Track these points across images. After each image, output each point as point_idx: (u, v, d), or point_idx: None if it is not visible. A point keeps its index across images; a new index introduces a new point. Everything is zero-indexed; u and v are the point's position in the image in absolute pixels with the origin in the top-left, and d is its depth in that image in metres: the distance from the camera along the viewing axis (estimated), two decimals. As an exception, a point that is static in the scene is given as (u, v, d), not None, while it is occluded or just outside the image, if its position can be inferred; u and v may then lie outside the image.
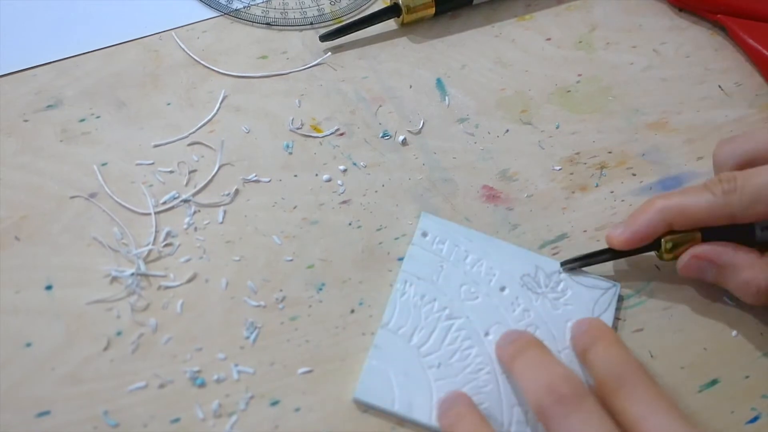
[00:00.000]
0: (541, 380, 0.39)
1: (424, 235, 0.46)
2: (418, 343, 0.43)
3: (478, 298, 0.44)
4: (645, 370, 0.40)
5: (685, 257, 0.44)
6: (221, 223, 0.46)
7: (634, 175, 0.50)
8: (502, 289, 0.45)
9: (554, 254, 0.47)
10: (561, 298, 0.45)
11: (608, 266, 0.46)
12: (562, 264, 0.46)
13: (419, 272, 0.45)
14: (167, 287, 0.44)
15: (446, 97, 0.52)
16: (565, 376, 0.38)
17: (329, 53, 0.53)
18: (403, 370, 0.42)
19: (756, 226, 0.43)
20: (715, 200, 0.42)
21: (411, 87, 0.52)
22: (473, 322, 0.44)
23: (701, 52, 0.56)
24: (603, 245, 0.47)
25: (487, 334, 0.43)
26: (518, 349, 0.41)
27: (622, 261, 0.46)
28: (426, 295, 0.44)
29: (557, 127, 0.51)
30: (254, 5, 0.55)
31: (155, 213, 0.46)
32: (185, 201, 0.46)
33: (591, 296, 0.45)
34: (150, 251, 0.45)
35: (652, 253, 0.45)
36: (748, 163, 0.44)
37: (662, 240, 0.44)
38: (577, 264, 0.45)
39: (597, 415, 0.37)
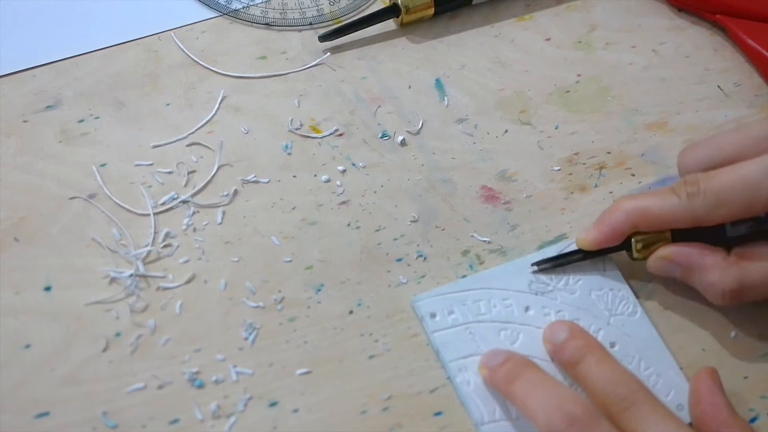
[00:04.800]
0: (551, 403, 0.38)
1: (433, 316, 0.44)
2: (517, 414, 0.41)
3: (519, 335, 0.44)
4: (645, 386, 0.40)
5: (652, 258, 0.44)
6: (220, 223, 0.46)
7: (633, 175, 0.50)
8: (527, 309, 0.45)
9: (553, 255, 0.47)
10: (570, 281, 0.45)
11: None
12: (534, 264, 0.45)
13: (461, 351, 0.43)
14: (166, 288, 0.44)
15: (445, 98, 0.52)
16: (573, 398, 0.38)
17: (328, 53, 0.53)
18: None
19: (726, 223, 0.44)
20: (679, 203, 0.43)
21: (410, 87, 0.52)
22: (535, 357, 0.43)
23: (700, 52, 0.55)
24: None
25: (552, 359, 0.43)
26: (514, 371, 0.41)
27: (621, 263, 0.46)
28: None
29: (556, 128, 0.51)
30: (253, 5, 0.55)
31: (154, 214, 0.46)
32: (184, 202, 0.47)
33: (590, 261, 0.46)
34: (149, 252, 0.45)
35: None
36: (712, 166, 0.44)
37: (632, 240, 0.44)
38: (549, 264, 0.45)
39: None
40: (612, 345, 0.44)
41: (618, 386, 0.39)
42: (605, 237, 0.44)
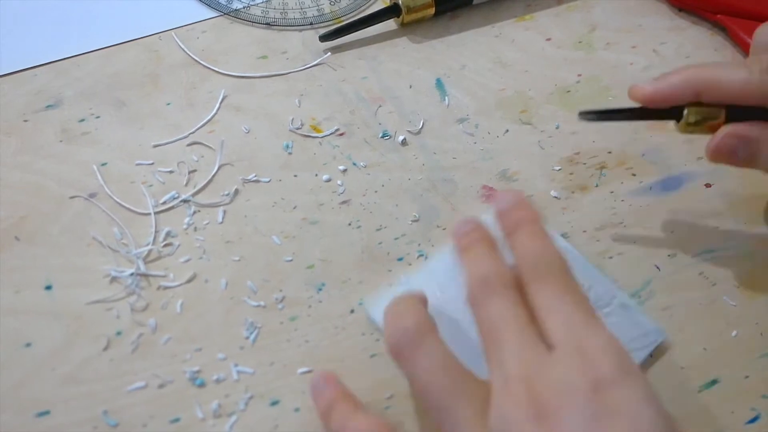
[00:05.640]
0: (478, 272, 0.38)
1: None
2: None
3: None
4: (562, 264, 0.38)
5: (718, 135, 0.42)
6: (221, 223, 0.46)
7: (634, 175, 0.50)
8: None
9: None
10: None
11: (614, 266, 0.46)
12: (581, 113, 0.43)
13: None
14: (167, 287, 0.44)
15: (446, 97, 0.52)
16: (497, 270, 0.38)
17: (329, 53, 0.53)
18: None
19: None
20: (750, 77, 0.41)
21: (411, 87, 0.52)
22: None
23: (701, 52, 0.56)
24: (603, 246, 0.47)
25: None
26: (469, 243, 0.40)
27: (622, 262, 0.46)
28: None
29: (557, 127, 0.51)
30: (254, 5, 0.55)
31: (155, 213, 0.46)
32: (185, 201, 0.46)
33: (632, 332, 0.44)
34: (150, 251, 0.45)
35: (652, 254, 0.45)
36: None
37: (685, 111, 0.42)
38: (594, 116, 0.43)
39: (513, 303, 0.36)
40: None
41: (534, 257, 0.38)
42: (663, 95, 0.42)
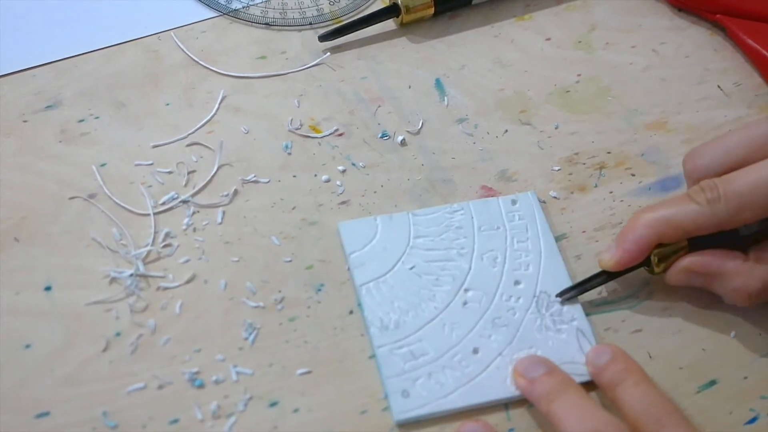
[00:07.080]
0: (586, 426, 0.38)
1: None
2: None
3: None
4: (680, 410, 0.39)
5: (672, 272, 0.44)
6: (220, 223, 0.46)
7: (633, 175, 0.50)
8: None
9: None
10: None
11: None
12: (559, 295, 0.45)
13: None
14: (166, 288, 0.44)
15: (445, 98, 0.52)
16: (611, 423, 0.38)
17: (328, 53, 0.53)
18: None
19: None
20: (700, 210, 0.42)
21: (410, 87, 0.52)
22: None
23: (701, 52, 0.55)
24: (602, 246, 0.47)
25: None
26: (555, 390, 0.40)
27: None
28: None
29: (556, 128, 0.51)
30: (253, 5, 0.55)
31: (154, 214, 0.46)
32: (184, 201, 0.46)
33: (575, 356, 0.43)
34: (149, 252, 0.45)
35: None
36: (724, 169, 0.43)
37: (651, 255, 0.44)
38: (573, 293, 0.44)
39: None
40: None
41: (652, 407, 0.39)
42: (630, 255, 0.43)
